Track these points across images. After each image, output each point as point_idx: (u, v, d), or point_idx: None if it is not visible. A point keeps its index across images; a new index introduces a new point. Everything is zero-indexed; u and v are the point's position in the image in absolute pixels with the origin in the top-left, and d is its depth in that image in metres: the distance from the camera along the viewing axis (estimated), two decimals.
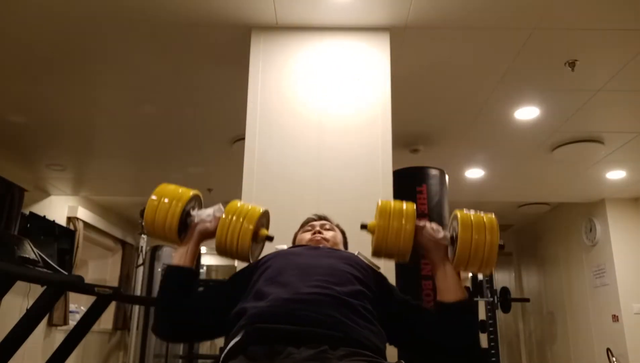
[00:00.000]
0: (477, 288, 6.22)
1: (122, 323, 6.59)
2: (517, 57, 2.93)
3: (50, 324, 5.30)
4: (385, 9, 2.56)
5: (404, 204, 1.57)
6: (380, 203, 1.57)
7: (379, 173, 2.41)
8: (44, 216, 5.24)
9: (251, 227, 1.54)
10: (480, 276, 6.23)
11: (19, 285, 2.80)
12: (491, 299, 5.92)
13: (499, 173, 4.91)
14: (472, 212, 1.53)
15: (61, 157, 4.72)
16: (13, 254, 2.88)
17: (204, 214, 1.59)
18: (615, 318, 5.26)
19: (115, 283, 6.61)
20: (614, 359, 5.18)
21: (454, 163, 4.56)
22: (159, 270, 5.93)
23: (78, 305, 5.86)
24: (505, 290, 6.36)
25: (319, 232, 1.79)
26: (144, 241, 5.96)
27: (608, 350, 5.26)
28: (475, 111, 3.62)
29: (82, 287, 2.86)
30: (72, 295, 5.45)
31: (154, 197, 1.57)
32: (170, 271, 1.58)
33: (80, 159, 4.86)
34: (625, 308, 5.18)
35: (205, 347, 7.19)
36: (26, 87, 3.43)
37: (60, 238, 5.39)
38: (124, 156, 4.74)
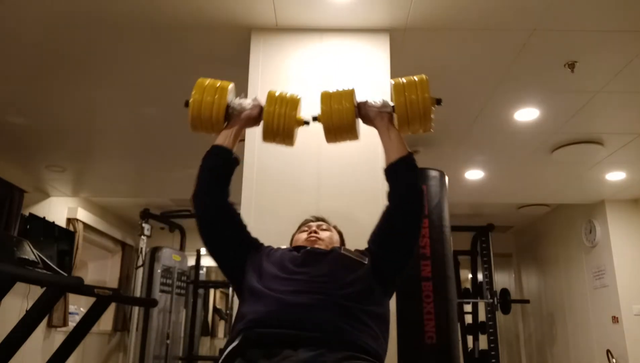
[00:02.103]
0: (476, 289, 6.22)
1: (121, 325, 6.59)
2: (516, 59, 2.93)
3: (50, 325, 5.30)
4: (385, 10, 2.56)
5: (342, 89, 1.73)
6: (321, 93, 1.72)
7: (379, 174, 2.39)
8: (44, 218, 5.24)
9: (294, 113, 1.69)
10: (479, 278, 6.22)
11: (19, 286, 2.80)
12: (491, 300, 5.92)
13: (498, 175, 4.92)
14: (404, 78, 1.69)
15: (61, 158, 4.72)
16: (13, 255, 2.88)
17: (245, 103, 1.73)
18: (615, 319, 5.26)
19: (114, 285, 6.61)
20: (613, 360, 5.18)
21: (453, 164, 4.56)
22: (159, 271, 5.92)
23: (78, 306, 5.86)
24: (505, 292, 6.36)
25: (315, 232, 1.80)
26: (143, 243, 5.96)
27: (608, 351, 5.26)
28: (475, 113, 3.63)
29: (82, 288, 2.86)
30: (71, 297, 5.45)
31: (195, 92, 1.71)
32: (216, 149, 1.71)
33: (80, 161, 4.87)
34: (625, 309, 5.18)
35: (205, 348, 7.19)
36: (26, 88, 3.43)
37: (60, 239, 5.39)
38: (123, 157, 4.74)
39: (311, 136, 2.47)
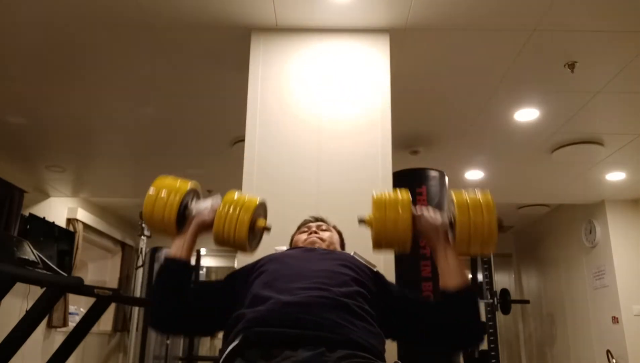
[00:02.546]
0: (477, 289, 6.21)
1: (121, 325, 6.59)
2: (516, 59, 2.93)
3: (50, 326, 5.29)
4: (385, 10, 2.56)
5: (399, 194, 1.58)
6: (375, 195, 1.57)
7: (379, 174, 2.41)
8: (44, 218, 5.24)
9: (247, 217, 1.54)
10: (479, 278, 6.22)
11: (19, 286, 2.80)
12: (491, 301, 5.92)
13: (498, 175, 4.92)
14: (467, 194, 1.53)
15: (61, 159, 4.72)
16: (13, 255, 2.88)
17: (202, 207, 1.60)
18: (615, 319, 5.26)
19: (114, 285, 6.60)
20: (613, 361, 5.17)
21: (453, 165, 4.56)
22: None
23: (77, 306, 5.86)
24: (505, 292, 6.35)
25: (315, 232, 1.80)
26: (143, 243, 5.96)
27: (608, 351, 5.25)
28: (475, 113, 3.63)
29: (82, 289, 2.86)
30: (71, 297, 5.45)
31: (152, 190, 1.58)
32: (167, 262, 1.57)
33: (80, 161, 4.87)
34: (625, 309, 5.18)
35: (205, 349, 7.19)
36: (26, 88, 3.43)
37: (59, 239, 5.39)
38: (123, 157, 4.74)
39: (311, 135, 2.48)
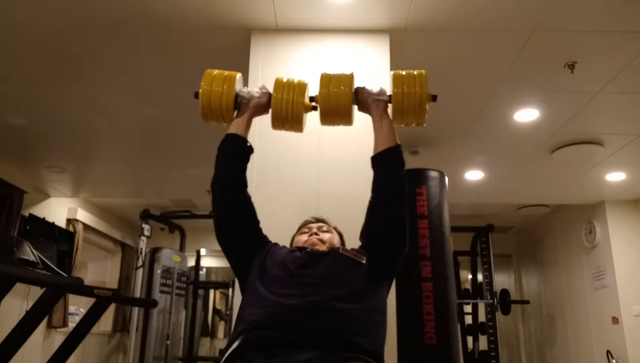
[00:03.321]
0: (476, 290, 6.22)
1: (121, 325, 6.59)
2: (516, 59, 2.93)
3: (50, 326, 5.30)
4: (385, 10, 2.56)
5: (342, 73, 1.75)
6: (320, 75, 1.74)
7: None
8: (44, 218, 5.24)
9: (302, 99, 1.72)
10: (479, 278, 6.22)
11: (19, 286, 2.80)
12: (491, 301, 5.92)
13: (498, 175, 4.92)
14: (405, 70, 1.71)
15: (61, 159, 4.72)
16: (12, 256, 2.88)
17: (254, 92, 1.76)
18: (615, 320, 5.26)
19: (114, 285, 6.60)
20: (614, 361, 5.17)
21: (453, 165, 4.56)
22: (159, 271, 5.92)
23: (77, 307, 5.86)
24: (505, 292, 6.35)
25: (316, 234, 1.80)
26: (143, 243, 5.96)
27: (608, 352, 5.25)
28: (475, 113, 3.63)
29: (82, 289, 2.86)
30: (71, 297, 5.45)
31: (204, 83, 1.75)
32: (229, 136, 1.72)
33: (79, 161, 4.87)
34: (625, 310, 5.18)
35: (204, 349, 7.19)
36: (26, 89, 3.43)
37: (59, 240, 5.39)
38: (123, 158, 4.74)
39: (311, 135, 2.47)
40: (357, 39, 2.67)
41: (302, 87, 1.75)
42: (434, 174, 3.39)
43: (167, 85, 3.30)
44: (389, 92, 1.72)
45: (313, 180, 2.40)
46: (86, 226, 5.95)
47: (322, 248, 1.75)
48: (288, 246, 1.86)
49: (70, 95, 3.49)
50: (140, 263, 5.89)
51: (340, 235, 1.90)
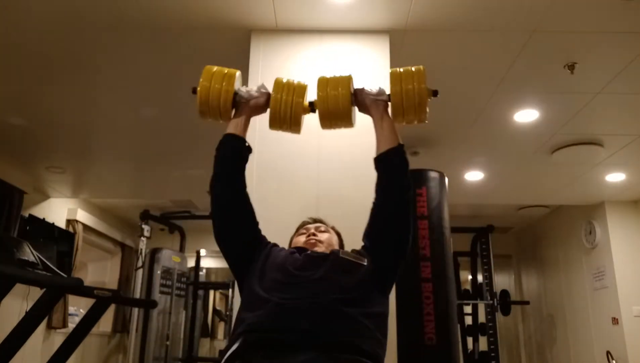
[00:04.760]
0: (476, 290, 6.22)
1: (121, 326, 6.59)
2: (516, 60, 2.93)
3: (50, 327, 5.29)
4: (384, 11, 2.56)
5: (339, 75, 1.73)
6: (317, 78, 1.73)
7: None
8: (44, 219, 5.23)
9: (301, 100, 1.70)
10: (479, 279, 6.22)
11: (18, 287, 2.80)
12: (491, 302, 5.92)
13: (498, 176, 4.92)
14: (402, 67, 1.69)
15: (61, 159, 4.71)
16: (12, 256, 2.88)
17: (253, 91, 1.74)
18: (615, 320, 5.25)
19: (114, 286, 6.60)
20: (613, 362, 5.17)
21: (453, 166, 4.56)
22: (158, 272, 5.92)
23: (77, 307, 5.86)
24: (505, 293, 6.36)
25: (314, 234, 1.80)
26: (143, 244, 5.96)
27: (608, 352, 5.25)
28: (475, 114, 3.63)
29: (82, 290, 2.86)
30: (71, 298, 5.45)
31: (203, 79, 1.72)
32: (227, 137, 1.70)
33: (79, 162, 4.86)
34: (625, 310, 5.18)
35: (204, 350, 7.19)
36: (26, 89, 3.43)
37: (59, 240, 5.39)
38: (123, 158, 4.74)
39: (311, 133, 2.47)
40: (357, 40, 2.67)
41: (301, 88, 1.73)
42: (434, 174, 3.40)
43: (167, 85, 3.30)
44: (388, 91, 1.71)
45: (313, 179, 2.40)
46: (86, 227, 5.95)
47: (321, 248, 1.74)
48: (287, 247, 1.86)
49: (70, 95, 3.49)
50: (140, 263, 5.90)
51: (339, 235, 1.89)
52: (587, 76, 3.06)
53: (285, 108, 1.70)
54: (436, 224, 3.18)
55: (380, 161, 1.63)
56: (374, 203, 1.62)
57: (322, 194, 2.36)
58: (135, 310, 5.86)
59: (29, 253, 3.02)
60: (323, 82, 1.71)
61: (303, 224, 1.90)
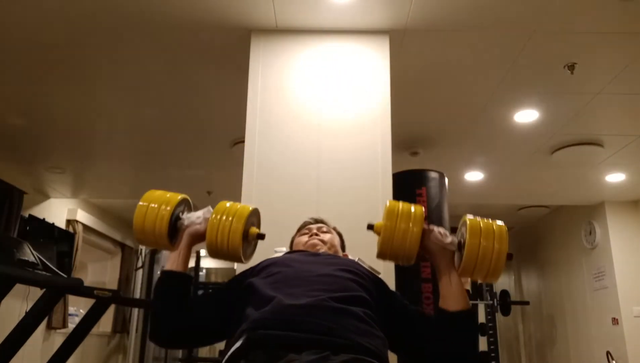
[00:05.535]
0: (476, 291, 6.22)
1: (121, 326, 6.58)
2: (516, 60, 2.93)
3: (49, 327, 5.29)
4: (384, 11, 2.56)
5: (412, 207, 1.54)
6: (388, 204, 1.53)
7: (379, 175, 2.41)
8: (44, 219, 5.23)
9: (240, 226, 1.50)
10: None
11: (18, 287, 2.80)
12: (491, 302, 5.92)
13: (498, 176, 4.92)
14: (481, 219, 1.49)
15: (61, 160, 4.71)
16: (12, 257, 2.88)
17: (194, 217, 1.57)
18: (615, 321, 5.25)
19: (114, 286, 6.60)
20: (613, 362, 5.17)
21: (453, 166, 4.56)
22: (158, 272, 5.92)
23: (77, 308, 5.85)
24: (504, 293, 6.36)
25: (316, 235, 1.79)
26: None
27: (608, 353, 5.25)
28: (475, 114, 3.63)
29: (81, 290, 2.86)
30: (71, 298, 5.45)
31: (141, 203, 1.57)
32: (164, 276, 1.56)
33: (79, 162, 4.86)
34: (625, 311, 5.18)
35: (204, 350, 7.18)
36: (26, 89, 3.43)
37: (59, 240, 5.38)
38: (123, 158, 4.74)
39: (311, 136, 2.48)
40: (357, 40, 2.68)
41: (242, 212, 1.54)
42: (434, 175, 3.40)
43: (168, 86, 3.30)
44: (456, 237, 1.54)
45: (313, 179, 2.40)
46: (86, 227, 5.95)
47: (324, 248, 1.74)
48: (287, 247, 1.86)
49: (70, 96, 3.49)
50: (140, 264, 5.90)
51: (340, 236, 1.89)
52: (587, 76, 3.06)
53: (222, 236, 1.50)
54: (436, 225, 3.18)
55: (448, 322, 1.48)
56: (428, 347, 1.48)
57: (322, 194, 2.36)
58: (135, 310, 5.86)
59: (29, 254, 3.02)
60: (394, 210, 1.51)
61: (305, 225, 1.89)
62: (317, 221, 1.90)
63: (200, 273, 6.81)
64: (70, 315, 5.53)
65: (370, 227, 1.54)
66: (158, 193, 1.61)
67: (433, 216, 3.22)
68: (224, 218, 1.52)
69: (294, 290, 1.41)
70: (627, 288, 5.24)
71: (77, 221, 5.76)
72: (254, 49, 2.65)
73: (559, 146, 4.11)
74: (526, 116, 3.62)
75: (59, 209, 5.68)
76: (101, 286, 6.10)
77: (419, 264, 3.09)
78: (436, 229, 1.54)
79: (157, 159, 4.67)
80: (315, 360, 1.19)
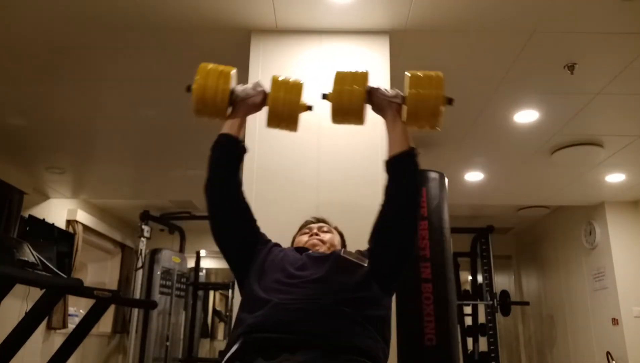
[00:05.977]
0: (476, 291, 6.22)
1: (121, 327, 6.58)
2: (516, 61, 2.93)
3: (49, 327, 5.29)
4: (384, 12, 2.56)
5: (356, 71, 1.71)
6: (335, 73, 1.71)
7: (379, 176, 2.40)
8: (44, 219, 5.23)
9: (298, 98, 1.69)
10: (479, 279, 6.22)
11: (18, 288, 2.80)
12: (491, 302, 5.92)
13: (498, 176, 4.92)
14: (420, 71, 1.66)
15: (61, 160, 4.72)
16: (12, 257, 2.88)
17: (249, 89, 1.71)
18: (615, 321, 5.25)
19: (114, 286, 6.60)
20: (613, 362, 5.17)
21: (453, 166, 4.56)
22: (158, 273, 5.92)
23: (77, 308, 5.86)
24: (504, 293, 6.36)
25: (316, 234, 1.80)
26: (143, 244, 5.96)
27: (608, 353, 5.25)
28: (475, 114, 3.63)
29: (81, 290, 2.87)
30: (71, 298, 5.45)
31: (199, 77, 1.68)
32: (222, 137, 1.67)
33: (79, 163, 4.87)
34: (625, 311, 5.18)
35: (204, 351, 7.18)
36: (26, 90, 3.43)
37: (59, 241, 5.39)
38: (123, 159, 4.74)
39: (311, 136, 2.47)
40: (357, 40, 2.68)
41: (298, 86, 1.73)
42: (433, 175, 3.39)
43: (167, 85, 3.30)
44: (402, 93, 1.69)
45: (313, 179, 2.40)
46: (86, 228, 5.95)
47: (323, 248, 1.74)
48: (288, 246, 1.86)
49: (70, 96, 3.49)
50: (140, 264, 5.90)
51: (341, 235, 1.90)
52: (587, 76, 3.06)
53: (284, 107, 1.69)
54: (436, 225, 3.18)
55: (390, 164, 1.61)
56: (381, 206, 1.60)
57: (322, 194, 2.37)
58: (135, 311, 5.86)
59: (29, 254, 3.02)
60: (340, 77, 1.70)
61: (306, 224, 1.90)
62: (318, 220, 1.90)
63: (200, 273, 6.81)
64: (70, 315, 5.54)
65: (324, 96, 1.70)
66: (211, 66, 1.72)
67: (433, 217, 3.21)
68: (284, 93, 1.70)
69: (289, 293, 1.42)
70: (627, 289, 5.25)
71: (77, 222, 5.76)
72: (254, 50, 2.66)
73: (559, 146, 4.11)
74: (526, 116, 3.62)
75: (58, 210, 5.68)
76: (101, 286, 6.10)
77: (419, 264, 3.09)
78: (382, 87, 1.69)
79: (157, 159, 4.67)
80: (309, 361, 1.20)
